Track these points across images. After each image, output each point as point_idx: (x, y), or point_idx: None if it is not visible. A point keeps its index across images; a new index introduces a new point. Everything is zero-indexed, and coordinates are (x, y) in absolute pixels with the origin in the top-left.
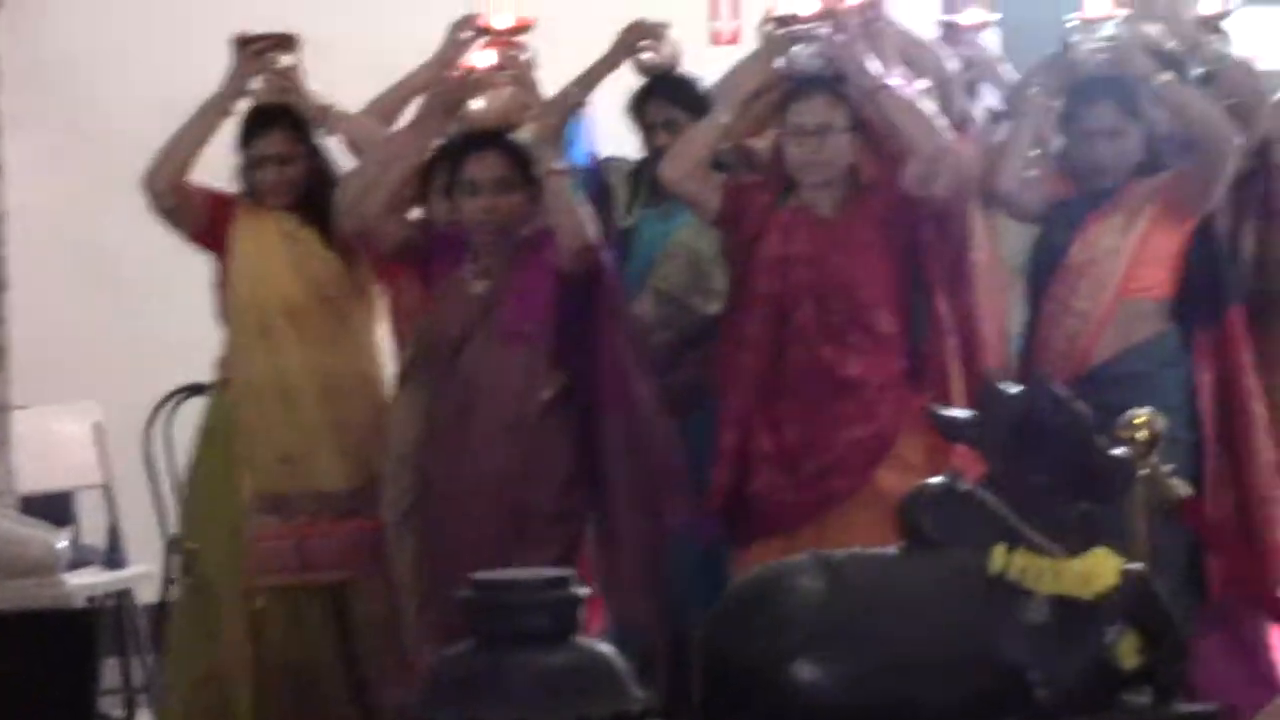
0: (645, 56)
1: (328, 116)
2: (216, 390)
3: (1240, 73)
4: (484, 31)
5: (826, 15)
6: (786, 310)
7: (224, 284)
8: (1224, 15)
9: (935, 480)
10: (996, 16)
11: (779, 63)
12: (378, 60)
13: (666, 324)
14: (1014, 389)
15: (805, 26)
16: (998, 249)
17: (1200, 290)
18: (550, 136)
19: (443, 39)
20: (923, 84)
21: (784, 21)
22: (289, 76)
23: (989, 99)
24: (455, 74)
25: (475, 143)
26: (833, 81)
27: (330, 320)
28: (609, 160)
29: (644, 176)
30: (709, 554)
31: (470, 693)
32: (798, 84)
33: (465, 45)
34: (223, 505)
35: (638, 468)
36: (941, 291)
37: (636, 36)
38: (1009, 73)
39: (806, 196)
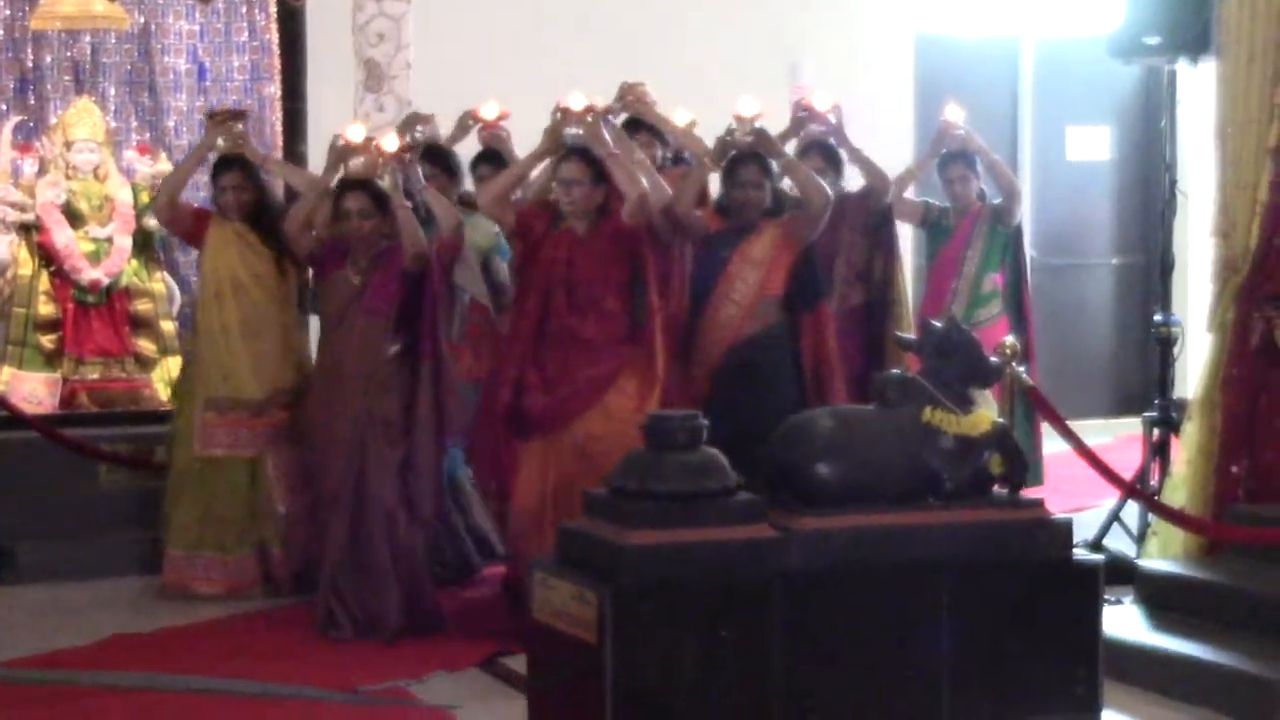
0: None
1: (266, 162)
2: (190, 330)
3: (867, 164)
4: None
5: (589, 110)
6: (550, 294)
7: (199, 265)
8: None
9: (894, 371)
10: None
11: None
12: None
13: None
14: (937, 323)
15: (575, 116)
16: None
17: (803, 291)
18: (396, 182)
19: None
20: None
21: (565, 112)
22: (241, 136)
23: None
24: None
25: (350, 186)
26: (586, 150)
27: (257, 290)
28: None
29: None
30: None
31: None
32: (566, 151)
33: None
34: (188, 402)
35: (438, 395)
36: (652, 284)
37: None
38: None
39: (569, 223)
